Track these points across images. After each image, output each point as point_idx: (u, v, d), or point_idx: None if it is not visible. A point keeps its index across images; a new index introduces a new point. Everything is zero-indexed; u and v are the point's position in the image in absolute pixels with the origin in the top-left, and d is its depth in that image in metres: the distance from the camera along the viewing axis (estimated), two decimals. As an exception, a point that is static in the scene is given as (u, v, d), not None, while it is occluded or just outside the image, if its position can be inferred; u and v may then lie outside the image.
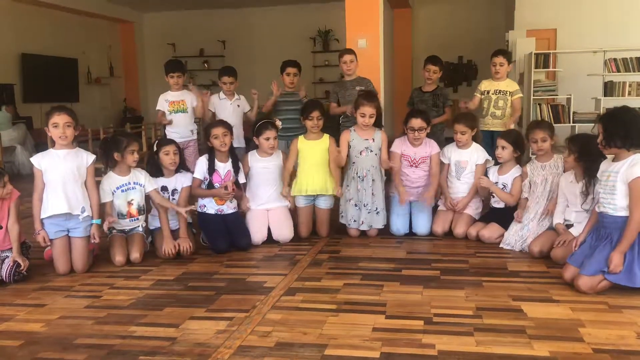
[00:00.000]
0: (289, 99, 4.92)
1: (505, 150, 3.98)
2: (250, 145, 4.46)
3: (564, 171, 3.69)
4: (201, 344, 2.41)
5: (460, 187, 4.16)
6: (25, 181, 3.82)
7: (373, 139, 4.14)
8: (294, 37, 12.34)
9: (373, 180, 4.14)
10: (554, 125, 4.12)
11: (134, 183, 3.76)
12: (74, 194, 3.46)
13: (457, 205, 4.12)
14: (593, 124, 6.02)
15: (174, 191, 3.93)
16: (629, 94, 7.57)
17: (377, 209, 4.16)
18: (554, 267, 3.30)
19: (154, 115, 6.56)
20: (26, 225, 3.56)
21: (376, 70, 5.64)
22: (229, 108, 4.92)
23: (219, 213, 3.97)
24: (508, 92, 4.97)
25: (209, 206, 3.98)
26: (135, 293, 3.10)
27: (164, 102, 4.88)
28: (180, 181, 3.94)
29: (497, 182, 4.04)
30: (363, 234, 4.21)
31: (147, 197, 3.85)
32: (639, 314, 2.61)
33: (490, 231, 3.93)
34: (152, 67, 12.75)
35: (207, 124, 4.44)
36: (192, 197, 4.01)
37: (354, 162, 4.17)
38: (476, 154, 4.16)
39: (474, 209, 4.16)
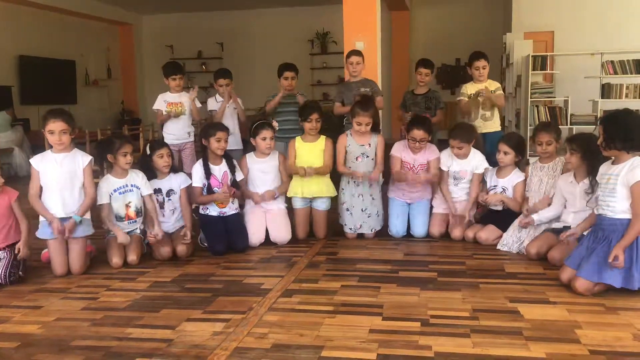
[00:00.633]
0: (287, 101, 4.93)
1: (507, 156, 3.97)
2: (248, 147, 4.46)
3: (562, 172, 3.70)
4: (198, 345, 2.41)
5: (457, 192, 4.16)
6: (22, 183, 3.81)
7: (369, 144, 4.14)
8: (292, 39, 12.35)
9: (370, 185, 4.14)
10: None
11: (131, 185, 3.76)
12: (71, 198, 3.47)
13: (458, 210, 4.10)
14: (594, 126, 6.04)
15: (169, 192, 3.92)
16: (626, 96, 7.58)
17: (377, 212, 4.17)
18: (551, 269, 3.31)
19: (152, 117, 6.58)
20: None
21: (374, 73, 5.65)
22: (226, 111, 4.93)
23: (222, 215, 3.97)
24: (492, 92, 4.93)
25: (212, 209, 3.98)
26: (131, 295, 3.09)
27: (162, 102, 4.88)
28: (176, 182, 3.93)
29: (496, 186, 4.05)
30: (360, 235, 4.21)
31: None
32: (636, 315, 2.62)
33: (487, 233, 3.93)
34: (150, 69, 12.76)
35: (207, 123, 4.42)
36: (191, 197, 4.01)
37: (349, 168, 4.16)
38: (475, 162, 4.12)
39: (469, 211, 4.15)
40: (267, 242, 4.06)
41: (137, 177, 3.79)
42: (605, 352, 2.24)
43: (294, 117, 4.66)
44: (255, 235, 4.01)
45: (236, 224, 3.99)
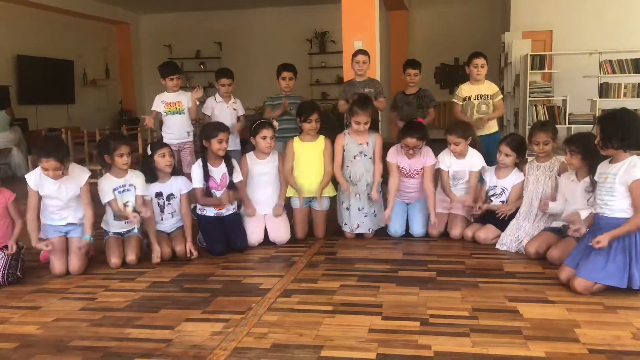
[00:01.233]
0: (287, 101, 4.91)
1: (508, 158, 3.97)
2: (247, 147, 4.45)
3: (559, 173, 3.70)
4: (197, 345, 2.40)
5: (456, 192, 4.14)
6: (20, 183, 3.81)
7: (367, 143, 4.14)
8: (291, 38, 12.34)
9: (367, 184, 4.14)
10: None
11: (129, 185, 3.75)
12: (74, 211, 3.59)
13: (455, 200, 4.09)
14: (592, 126, 6.03)
15: (169, 196, 3.90)
16: (625, 95, 7.59)
17: (374, 211, 4.17)
18: (550, 268, 3.31)
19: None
20: (24, 232, 3.56)
21: (372, 72, 5.64)
22: (227, 111, 4.91)
23: (219, 216, 3.97)
24: (489, 96, 4.90)
25: (208, 209, 3.97)
26: (130, 295, 3.09)
27: (160, 103, 4.86)
28: (176, 186, 3.92)
29: (495, 186, 4.05)
30: (359, 235, 4.20)
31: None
32: (635, 314, 2.62)
33: (486, 232, 3.93)
34: (148, 68, 12.73)
35: (207, 123, 4.39)
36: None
37: (347, 166, 4.16)
38: (472, 161, 4.12)
39: (467, 210, 4.15)
40: (266, 242, 4.06)
41: (136, 177, 3.78)
42: (605, 351, 2.24)
43: (292, 117, 4.65)
44: (254, 235, 4.01)
45: (235, 224, 3.99)
